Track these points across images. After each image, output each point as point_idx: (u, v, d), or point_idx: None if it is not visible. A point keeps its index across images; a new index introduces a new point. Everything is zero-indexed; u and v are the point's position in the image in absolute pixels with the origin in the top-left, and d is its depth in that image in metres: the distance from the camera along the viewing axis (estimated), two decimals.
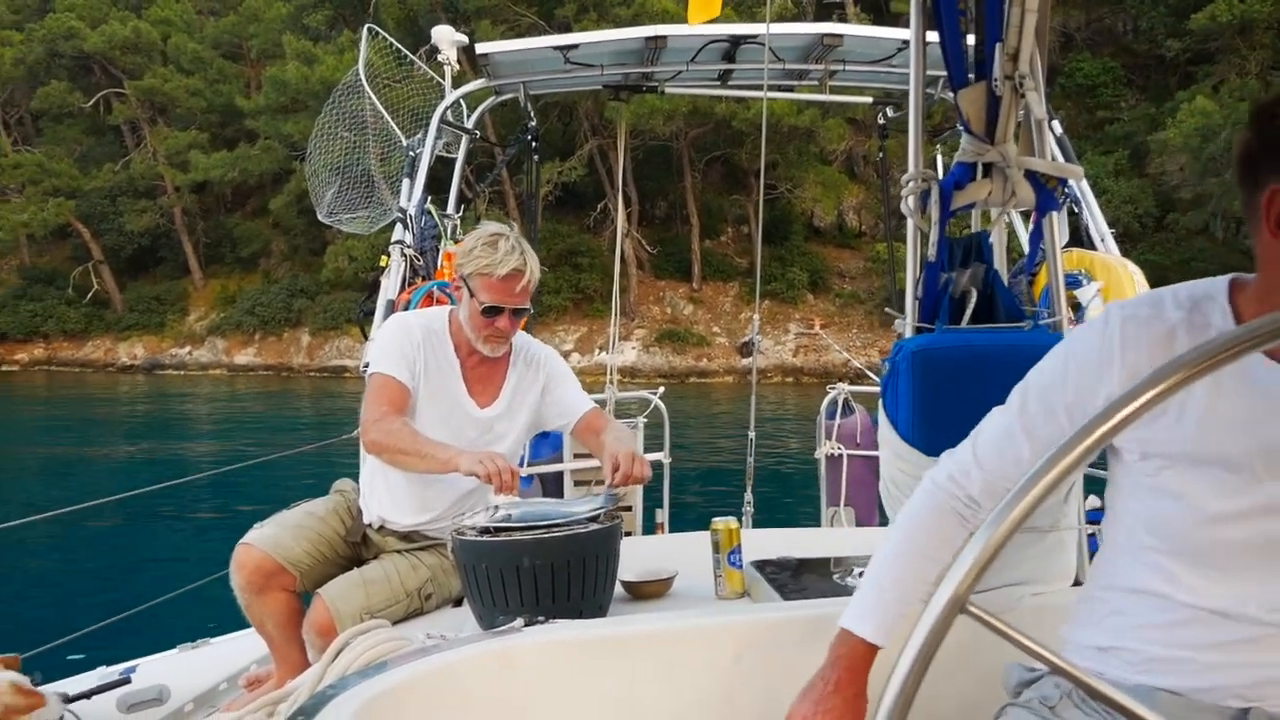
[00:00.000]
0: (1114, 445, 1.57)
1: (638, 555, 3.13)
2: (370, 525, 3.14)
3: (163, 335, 42.03)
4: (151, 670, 4.13)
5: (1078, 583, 2.19)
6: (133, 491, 4.65)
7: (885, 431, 2.14)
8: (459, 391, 3.05)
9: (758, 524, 6.07)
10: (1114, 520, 1.62)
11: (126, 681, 3.98)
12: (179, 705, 3.55)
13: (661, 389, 6.36)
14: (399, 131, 5.27)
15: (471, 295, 2.96)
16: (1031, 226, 2.27)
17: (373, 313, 4.41)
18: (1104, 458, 1.60)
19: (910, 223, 2.12)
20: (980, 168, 2.10)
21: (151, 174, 43.30)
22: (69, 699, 3.74)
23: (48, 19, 43.92)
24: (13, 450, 20.47)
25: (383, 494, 3.11)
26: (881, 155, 5.93)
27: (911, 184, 2.09)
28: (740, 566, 2.76)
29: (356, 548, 3.15)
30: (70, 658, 4.14)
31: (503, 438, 3.07)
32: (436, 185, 5.03)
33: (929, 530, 1.67)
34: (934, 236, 2.08)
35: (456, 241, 4.98)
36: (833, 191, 39.27)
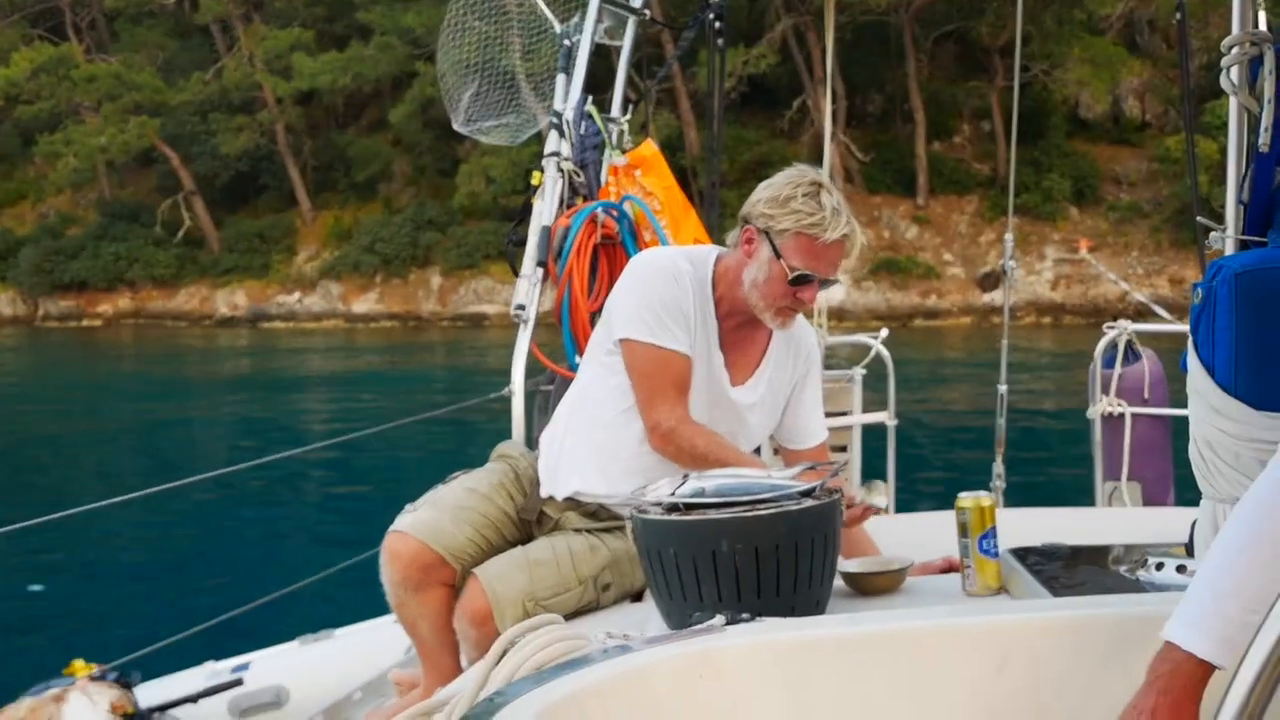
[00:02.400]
0: None
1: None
2: (553, 497, 3.21)
3: (267, 280, 43.78)
4: (267, 668, 4.38)
5: None
6: (240, 465, 4.89)
7: (1197, 379, 2.07)
8: (715, 361, 3.10)
9: (1012, 502, 5.99)
10: None
11: (239, 682, 4.23)
12: (304, 714, 3.74)
13: (884, 332, 6.31)
14: (549, 13, 5.31)
15: (777, 255, 2.97)
16: None
17: (524, 243, 4.48)
18: None
19: (1233, 102, 2.02)
20: None
21: (248, 83, 44.98)
22: (172, 704, 4.02)
23: None
24: (98, 419, 21.82)
25: (584, 459, 3.16)
26: (1179, 16, 5.61)
27: (1235, 50, 1.99)
28: (996, 555, 2.73)
29: (528, 526, 3.23)
30: (174, 653, 4.41)
31: (752, 432, 3.09)
32: (595, 85, 5.06)
33: None
34: (1266, 119, 1.98)
35: (624, 151, 5.01)
36: (1105, 70, 37.74)
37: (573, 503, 3.18)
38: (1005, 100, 36.14)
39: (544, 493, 3.23)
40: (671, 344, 3.02)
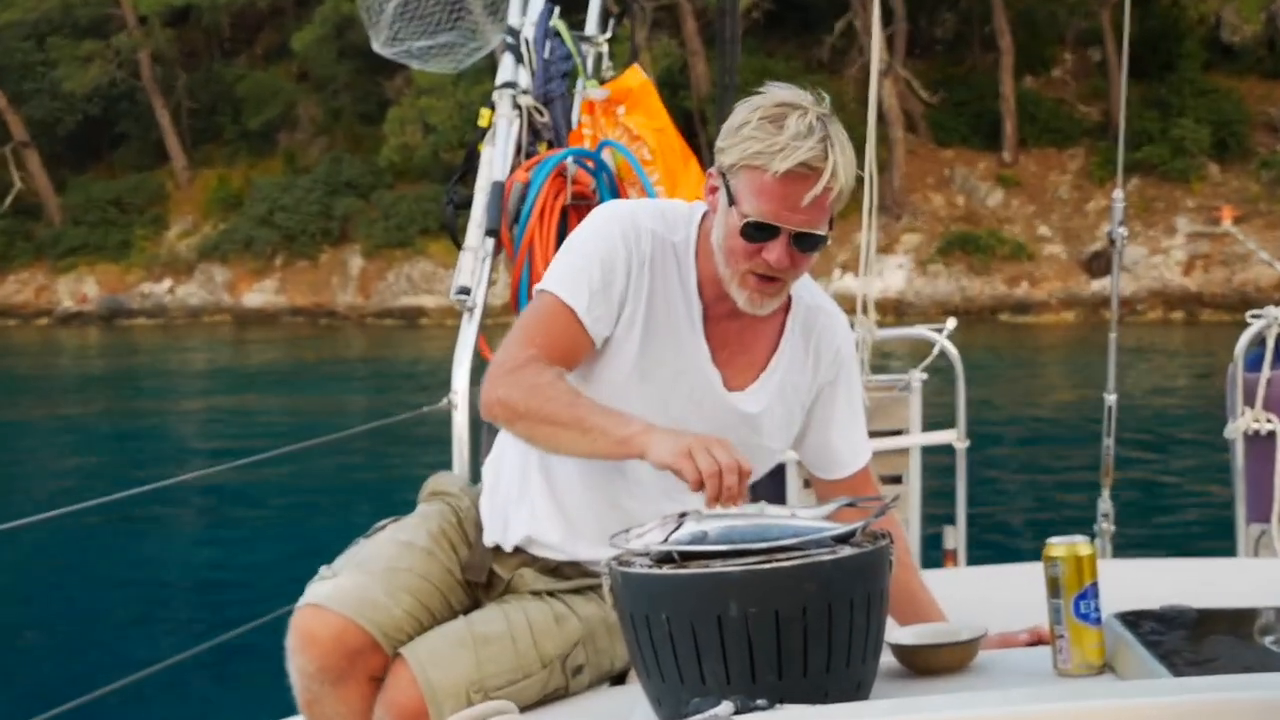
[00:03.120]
0: None
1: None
2: (498, 547, 3.18)
3: (127, 263, 43.73)
4: None
5: None
6: (88, 502, 4.88)
7: None
8: (697, 353, 3.05)
9: (1122, 550, 6.01)
10: None
11: None
12: None
13: (951, 323, 6.33)
14: None
15: (732, 202, 2.89)
16: None
17: (468, 204, 4.50)
18: None
19: None
20: None
21: None
22: None
23: None
24: None
25: (540, 502, 3.13)
26: None
27: None
28: (1098, 621, 2.74)
29: (475, 589, 3.20)
30: None
31: (760, 447, 3.07)
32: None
33: None
34: None
35: (603, 82, 5.04)
36: None
37: (527, 555, 3.16)
38: (1120, 20, 36.21)
39: (488, 540, 3.20)
40: (569, 298, 2.96)
